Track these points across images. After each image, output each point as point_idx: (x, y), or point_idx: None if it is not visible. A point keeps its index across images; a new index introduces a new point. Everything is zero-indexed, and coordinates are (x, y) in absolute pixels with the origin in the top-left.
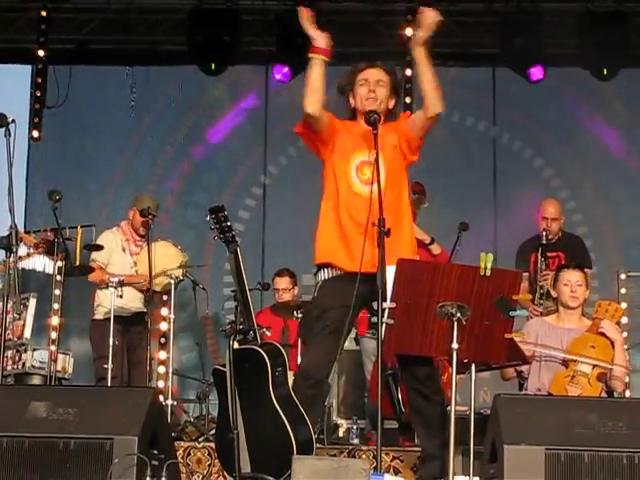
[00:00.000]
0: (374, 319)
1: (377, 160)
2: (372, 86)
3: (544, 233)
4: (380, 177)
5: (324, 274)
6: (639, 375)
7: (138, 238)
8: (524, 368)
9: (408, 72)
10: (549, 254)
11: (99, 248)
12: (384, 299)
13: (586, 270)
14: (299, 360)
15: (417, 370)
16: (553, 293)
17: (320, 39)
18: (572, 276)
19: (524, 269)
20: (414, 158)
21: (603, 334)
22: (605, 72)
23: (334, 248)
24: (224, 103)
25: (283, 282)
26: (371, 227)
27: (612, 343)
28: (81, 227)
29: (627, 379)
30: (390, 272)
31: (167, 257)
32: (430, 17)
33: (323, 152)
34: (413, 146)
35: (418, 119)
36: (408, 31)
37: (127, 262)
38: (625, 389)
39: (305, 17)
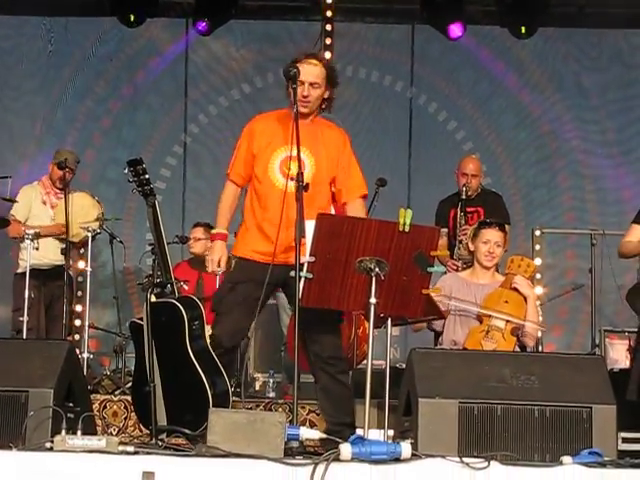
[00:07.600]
0: (292, 273)
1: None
2: (306, 91)
3: (464, 189)
4: (305, 170)
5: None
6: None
7: (58, 190)
8: (438, 322)
9: (328, 27)
10: (468, 209)
11: (13, 201)
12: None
13: (506, 227)
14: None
15: (323, 351)
16: (471, 247)
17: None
18: (492, 236)
19: (443, 225)
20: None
21: (516, 289)
22: (523, 31)
23: (250, 242)
24: (143, 56)
25: (196, 232)
26: (286, 220)
27: (525, 299)
28: None
29: (539, 334)
30: (309, 226)
31: (84, 208)
32: None
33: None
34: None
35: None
36: None
37: (48, 214)
38: (536, 345)
39: None
